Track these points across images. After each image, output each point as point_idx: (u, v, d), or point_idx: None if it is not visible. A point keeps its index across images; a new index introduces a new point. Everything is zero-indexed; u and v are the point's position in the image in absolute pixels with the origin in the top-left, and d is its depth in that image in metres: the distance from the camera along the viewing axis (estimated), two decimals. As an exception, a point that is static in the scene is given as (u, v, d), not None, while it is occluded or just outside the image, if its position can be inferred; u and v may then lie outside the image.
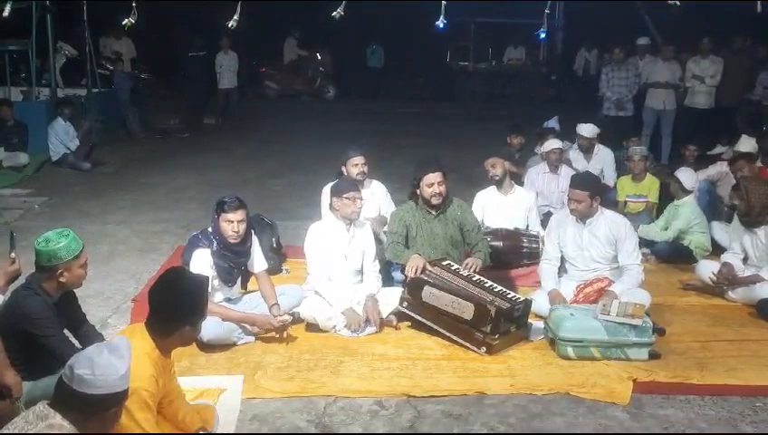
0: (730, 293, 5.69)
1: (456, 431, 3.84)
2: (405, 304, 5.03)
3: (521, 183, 7.08)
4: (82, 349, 3.37)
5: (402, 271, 5.38)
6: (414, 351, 4.77)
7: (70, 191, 9.20)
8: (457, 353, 4.71)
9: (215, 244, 4.74)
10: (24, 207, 8.34)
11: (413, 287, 4.97)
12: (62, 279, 3.66)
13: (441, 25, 5.82)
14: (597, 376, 4.39)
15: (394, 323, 5.13)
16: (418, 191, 5.40)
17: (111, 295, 5.64)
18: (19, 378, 3.46)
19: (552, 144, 7.38)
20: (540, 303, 5.20)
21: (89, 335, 3.91)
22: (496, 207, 6.35)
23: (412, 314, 5.02)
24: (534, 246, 6.08)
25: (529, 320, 5.04)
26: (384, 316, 5.10)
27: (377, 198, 6.41)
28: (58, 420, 2.50)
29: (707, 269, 5.78)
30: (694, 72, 10.50)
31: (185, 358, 4.41)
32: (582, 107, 12.09)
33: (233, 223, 4.69)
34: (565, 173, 7.16)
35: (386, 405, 4.07)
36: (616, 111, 10.30)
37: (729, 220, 6.73)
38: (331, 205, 5.24)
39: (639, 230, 6.44)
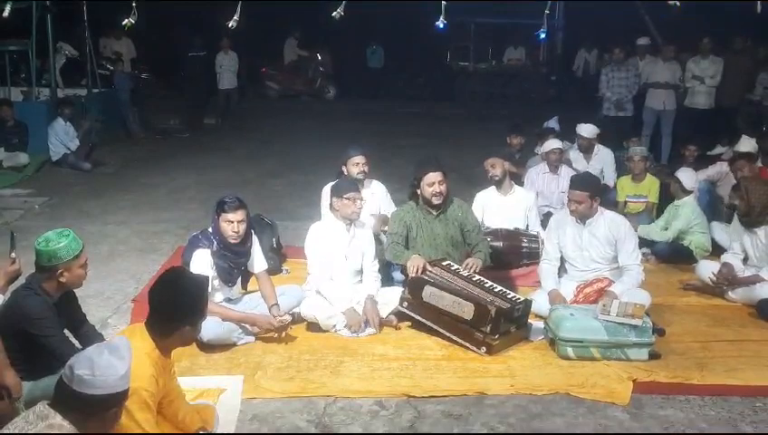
0: (730, 293, 5.69)
1: (456, 431, 3.84)
2: (405, 304, 5.03)
3: (521, 183, 7.08)
4: (82, 349, 3.38)
5: (402, 271, 5.39)
6: (414, 351, 4.77)
7: (70, 191, 9.21)
8: (457, 354, 4.71)
9: (215, 244, 4.74)
10: (24, 207, 8.34)
11: (414, 287, 4.97)
12: (62, 279, 3.67)
13: (441, 25, 5.82)
14: (597, 376, 4.39)
15: (394, 322, 5.13)
16: (419, 191, 5.40)
17: (111, 296, 5.64)
18: (19, 379, 3.46)
19: (552, 144, 7.38)
20: (540, 303, 5.20)
21: (89, 335, 3.91)
22: (496, 208, 6.35)
23: (412, 314, 5.02)
24: (534, 246, 6.09)
25: (529, 320, 5.04)
26: (384, 316, 5.11)
27: (377, 198, 6.41)
28: (58, 421, 2.50)
29: (707, 269, 5.78)
30: (694, 73, 10.50)
31: (185, 358, 4.41)
32: (582, 107, 12.09)
33: (233, 223, 4.69)
34: (565, 173, 7.16)
35: (386, 405, 4.07)
36: (616, 112, 10.30)
37: (728, 220, 6.73)
38: (331, 205, 5.24)
39: (639, 230, 6.44)
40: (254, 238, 5.01)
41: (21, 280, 3.79)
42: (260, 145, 12.53)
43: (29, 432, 2.48)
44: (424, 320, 4.94)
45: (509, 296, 4.94)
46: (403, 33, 18.94)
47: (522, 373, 4.45)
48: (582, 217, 5.26)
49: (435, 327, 4.89)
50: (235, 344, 4.75)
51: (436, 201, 5.34)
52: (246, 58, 15.80)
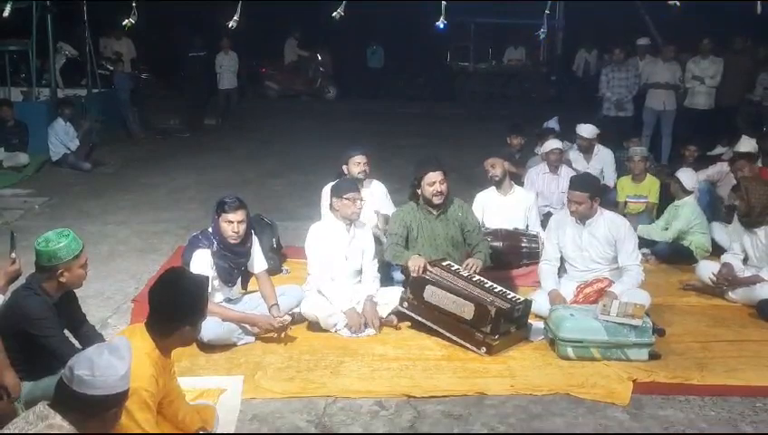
0: (730, 293, 5.68)
1: (456, 432, 3.84)
2: (405, 304, 5.03)
3: (521, 183, 7.08)
4: (83, 349, 3.38)
5: (403, 271, 5.39)
6: (414, 351, 4.77)
7: (70, 191, 9.21)
8: (457, 354, 4.71)
9: (215, 244, 4.74)
10: (24, 207, 8.34)
11: (415, 286, 4.97)
12: (62, 279, 3.67)
13: (441, 26, 5.81)
14: (597, 376, 4.39)
15: (394, 322, 5.13)
16: (419, 191, 5.40)
17: (111, 296, 5.64)
18: (18, 379, 3.46)
19: (552, 144, 7.38)
20: (540, 303, 5.20)
21: (89, 336, 3.91)
22: (496, 208, 6.35)
23: (412, 315, 5.02)
24: (534, 246, 6.09)
25: (529, 320, 5.04)
26: (384, 316, 5.11)
27: (376, 198, 6.42)
28: (58, 421, 2.50)
29: (707, 270, 5.78)
30: (694, 73, 10.49)
31: (185, 358, 4.41)
32: (582, 107, 12.09)
33: (233, 223, 4.69)
34: (565, 173, 7.16)
35: (386, 405, 4.07)
36: (616, 112, 10.30)
37: (727, 220, 6.74)
38: (331, 205, 5.25)
39: (639, 230, 6.44)
40: (254, 238, 5.01)
41: (21, 280, 3.79)
42: (260, 145, 12.53)
43: (29, 432, 2.48)
44: (424, 320, 4.94)
45: (509, 297, 4.94)
46: (403, 33, 18.95)
47: (522, 374, 4.45)
48: (582, 218, 5.26)
49: (435, 327, 4.89)
50: (235, 345, 4.75)
51: (436, 201, 5.34)
52: (246, 58, 15.81)
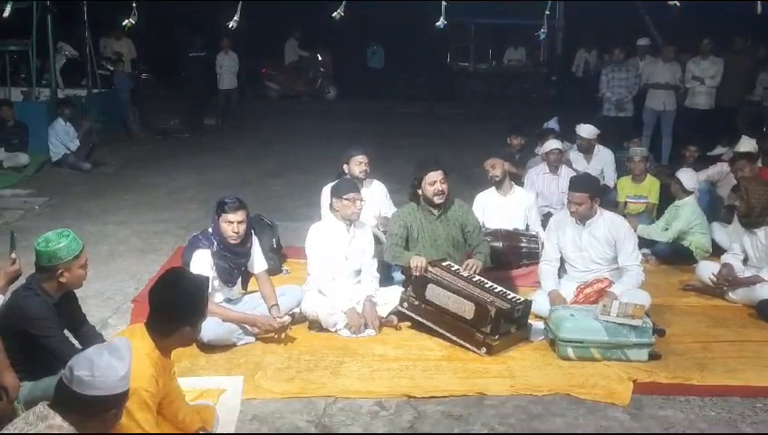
0: (730, 294, 5.68)
1: (456, 432, 3.84)
2: (405, 304, 5.03)
3: (521, 184, 7.08)
4: (83, 349, 3.38)
5: (403, 272, 5.39)
6: (414, 351, 4.77)
7: (70, 192, 9.21)
8: (457, 354, 4.71)
9: (215, 244, 4.74)
10: (24, 207, 8.34)
11: (417, 285, 4.97)
12: (62, 280, 3.66)
13: (441, 26, 5.82)
14: (597, 377, 4.39)
15: (395, 322, 5.13)
16: (420, 191, 5.39)
17: (111, 296, 5.64)
18: (17, 380, 3.46)
19: (552, 145, 7.37)
20: (540, 303, 5.20)
21: (89, 336, 3.91)
22: (496, 208, 6.36)
23: (412, 315, 5.02)
24: (534, 246, 6.09)
25: (529, 321, 5.04)
26: (384, 316, 5.11)
27: (376, 198, 6.42)
28: (58, 421, 2.50)
29: (707, 270, 5.78)
30: (694, 73, 10.49)
31: (185, 358, 4.41)
32: (582, 108, 12.09)
33: (233, 223, 4.69)
34: (565, 174, 7.16)
35: (386, 406, 4.07)
36: (616, 112, 10.30)
37: (726, 220, 6.74)
38: (331, 206, 5.25)
39: (639, 230, 6.45)
40: (254, 239, 5.01)
41: (21, 280, 3.79)
42: (260, 145, 12.53)
43: (29, 433, 2.48)
44: (424, 320, 4.94)
45: (509, 297, 4.94)
46: (403, 33, 18.95)
47: (522, 374, 4.45)
48: (582, 218, 5.26)
49: (435, 328, 4.89)
50: (235, 345, 4.75)
51: (437, 200, 5.33)
52: (247, 58, 15.81)
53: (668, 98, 10.49)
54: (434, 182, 5.30)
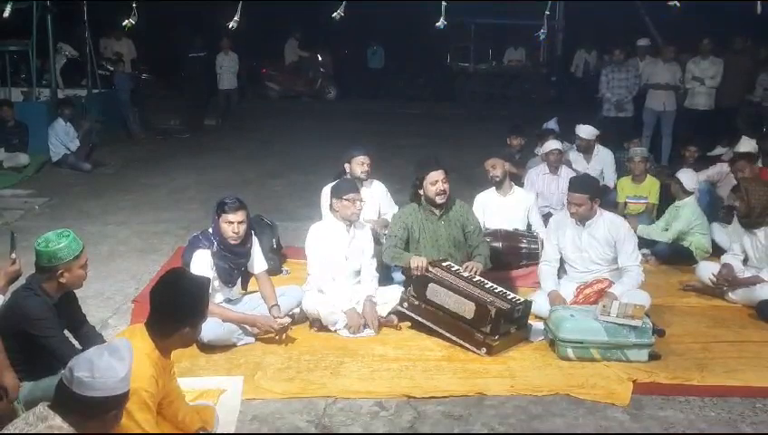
0: (730, 294, 5.68)
1: (456, 432, 3.84)
2: (405, 304, 5.04)
3: (521, 184, 7.08)
4: (83, 350, 3.38)
5: (403, 272, 5.39)
6: (414, 352, 4.77)
7: (70, 192, 9.21)
8: (457, 355, 4.71)
9: (215, 245, 4.74)
10: (24, 207, 8.34)
11: (418, 285, 4.97)
12: (62, 280, 3.67)
13: (441, 26, 5.82)
14: (597, 377, 4.40)
15: (395, 322, 5.13)
16: (421, 191, 5.39)
17: (111, 296, 5.64)
18: (17, 380, 3.46)
19: (552, 145, 7.37)
20: (540, 304, 5.20)
21: (89, 336, 3.91)
22: (496, 208, 6.36)
23: (412, 315, 5.03)
24: (533, 246, 6.09)
25: (529, 321, 5.04)
26: (384, 315, 5.12)
27: (376, 198, 6.43)
28: (58, 422, 2.50)
29: (707, 270, 5.78)
30: (694, 74, 10.48)
31: (185, 359, 4.41)
32: (582, 108, 12.09)
33: (233, 224, 4.69)
34: (565, 174, 7.16)
35: (386, 406, 4.07)
36: (616, 113, 10.30)
37: (724, 221, 6.74)
38: (330, 206, 5.25)
39: (639, 230, 6.45)
40: (254, 239, 5.01)
41: (21, 280, 3.79)
42: (260, 145, 12.53)
43: (29, 433, 2.48)
44: (424, 320, 4.95)
45: (509, 297, 4.94)
46: (403, 33, 18.97)
47: (522, 374, 4.45)
48: (582, 219, 5.26)
49: (435, 328, 4.89)
50: (235, 345, 4.75)
51: (439, 200, 5.33)
52: (247, 59, 15.81)
53: (668, 98, 10.48)
54: (435, 182, 5.30)
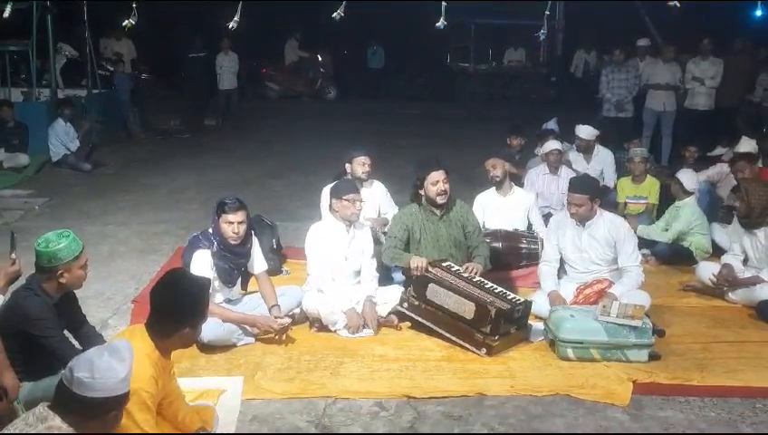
0: (730, 294, 5.68)
1: (456, 432, 3.84)
2: (405, 304, 5.04)
3: (521, 184, 7.08)
4: (83, 350, 3.38)
5: (404, 272, 5.39)
6: (414, 352, 4.77)
7: (70, 192, 9.21)
8: (457, 355, 4.71)
9: (215, 245, 4.74)
10: (24, 207, 8.34)
11: (418, 285, 4.98)
12: (62, 280, 3.67)
13: (441, 26, 5.82)
14: (597, 377, 4.40)
15: (395, 322, 5.13)
16: (422, 192, 5.38)
17: (111, 296, 5.64)
18: (17, 380, 3.46)
19: (551, 145, 7.37)
20: (540, 304, 5.20)
21: (89, 336, 3.91)
22: (496, 209, 6.36)
23: (412, 315, 5.03)
24: (534, 247, 6.09)
25: (529, 321, 5.04)
26: (384, 315, 5.12)
27: (377, 198, 6.44)
28: (57, 423, 2.50)
29: (708, 271, 5.78)
30: (694, 74, 10.48)
31: (185, 359, 4.41)
32: (582, 108, 12.09)
33: (233, 224, 4.69)
34: (565, 174, 7.16)
35: (386, 406, 4.07)
36: (616, 113, 10.30)
37: (724, 221, 6.74)
38: (330, 206, 5.25)
39: (639, 230, 6.45)
40: (254, 239, 5.01)
41: (21, 281, 3.79)
42: (260, 146, 12.53)
43: (29, 433, 2.48)
44: (424, 321, 4.95)
45: (509, 297, 4.94)
46: (403, 33, 18.98)
47: (522, 374, 4.45)
48: (582, 220, 5.26)
49: (435, 328, 4.89)
50: (234, 345, 4.75)
51: (440, 200, 5.32)
52: (247, 59, 15.81)
53: (668, 98, 10.48)
54: (436, 182, 5.29)
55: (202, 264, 4.66)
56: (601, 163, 8.07)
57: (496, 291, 4.98)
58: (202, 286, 3.29)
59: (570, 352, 4.62)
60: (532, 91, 19.07)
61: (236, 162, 11.11)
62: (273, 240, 6.39)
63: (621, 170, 7.96)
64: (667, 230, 6.66)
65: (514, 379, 4.39)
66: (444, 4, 5.81)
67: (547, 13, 6.55)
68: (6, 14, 7.56)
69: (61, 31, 12.31)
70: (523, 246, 6.14)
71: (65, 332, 3.83)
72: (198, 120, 14.20)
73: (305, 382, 4.31)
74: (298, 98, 19.14)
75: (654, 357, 4.63)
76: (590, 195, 5.21)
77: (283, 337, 4.80)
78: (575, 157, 8.09)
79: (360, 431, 3.85)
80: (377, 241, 5.61)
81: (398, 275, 5.57)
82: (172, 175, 10.17)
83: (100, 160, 10.83)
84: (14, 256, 3.76)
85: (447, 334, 4.83)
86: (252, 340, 4.82)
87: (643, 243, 6.34)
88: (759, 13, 9.64)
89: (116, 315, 5.29)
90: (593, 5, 14.65)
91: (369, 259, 5.27)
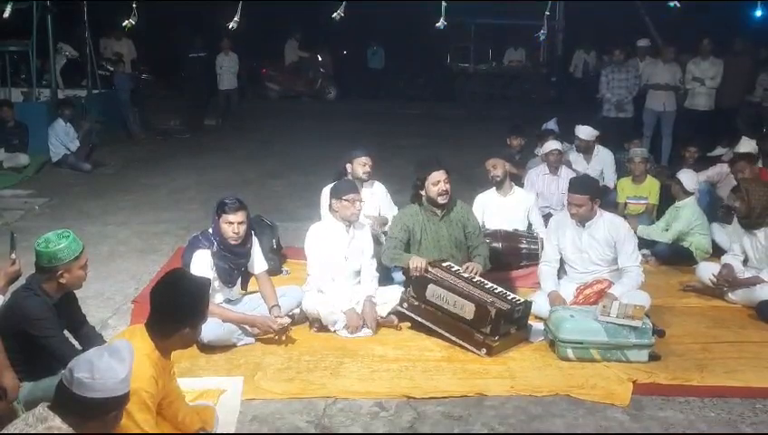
0: (730, 294, 5.68)
1: (456, 432, 3.84)
2: (405, 305, 5.04)
3: (521, 184, 7.08)
4: (83, 350, 3.38)
5: (404, 272, 5.39)
6: (414, 352, 4.77)
7: (70, 192, 9.21)
8: (457, 355, 4.71)
9: (215, 245, 4.74)
10: (24, 207, 8.34)
11: (417, 286, 4.97)
12: (62, 280, 3.67)
13: (441, 26, 5.83)
14: (597, 378, 4.40)
15: (395, 322, 5.13)
16: (423, 192, 5.38)
17: (111, 296, 5.64)
18: (17, 380, 3.45)
19: (551, 145, 7.37)
20: (540, 304, 5.20)
21: (89, 337, 3.91)
22: (496, 209, 6.36)
23: (412, 315, 5.03)
24: (533, 247, 6.08)
25: (529, 321, 5.04)
26: (384, 315, 5.12)
27: (377, 198, 6.44)
28: (57, 423, 2.50)
29: (708, 271, 5.78)
30: (694, 74, 10.48)
31: (185, 359, 4.41)
32: (582, 108, 12.09)
33: (233, 224, 4.69)
34: (565, 174, 7.16)
35: (386, 406, 4.07)
36: (616, 113, 10.30)
37: (723, 221, 6.74)
38: (330, 206, 5.25)
39: (639, 231, 6.45)
40: (255, 239, 5.01)
41: (21, 281, 3.79)
42: (260, 146, 12.53)
43: (29, 434, 2.48)
44: (424, 321, 4.95)
45: (509, 298, 4.94)
46: (403, 33, 18.99)
47: (522, 375, 4.45)
48: (582, 220, 5.26)
49: (435, 328, 4.89)
50: (234, 345, 4.75)
51: (441, 200, 5.32)
52: (247, 59, 15.81)
53: (668, 99, 10.48)
54: (437, 182, 5.29)
55: (202, 264, 4.66)
56: (601, 163, 8.07)
57: (496, 291, 4.98)
58: (202, 286, 3.29)
59: (570, 353, 4.62)
60: (532, 91, 19.08)
61: (236, 162, 11.11)
62: (273, 240, 6.39)
63: (621, 171, 7.96)
64: (667, 230, 6.65)
65: (514, 379, 4.39)
66: (444, 4, 5.82)
67: (547, 13, 6.56)
68: (6, 14, 7.57)
69: (61, 31, 12.32)
70: (522, 246, 6.14)
71: (65, 332, 3.83)
72: (198, 120, 14.20)
73: (305, 383, 4.31)
74: (298, 98, 19.15)
75: (654, 357, 4.63)
76: (591, 195, 5.21)
77: (283, 337, 4.80)
78: (575, 157, 8.09)
79: (360, 431, 3.85)
80: (377, 241, 5.61)
81: (398, 276, 5.57)
82: (172, 175, 10.17)
83: (100, 160, 10.83)
84: (14, 256, 3.75)
85: (447, 335, 4.83)
86: (252, 340, 4.82)
87: (643, 243, 6.34)
88: (759, 13, 9.67)
89: (116, 315, 5.29)
90: (593, 5, 14.65)
91: (369, 259, 5.27)
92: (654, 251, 6.67)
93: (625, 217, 6.44)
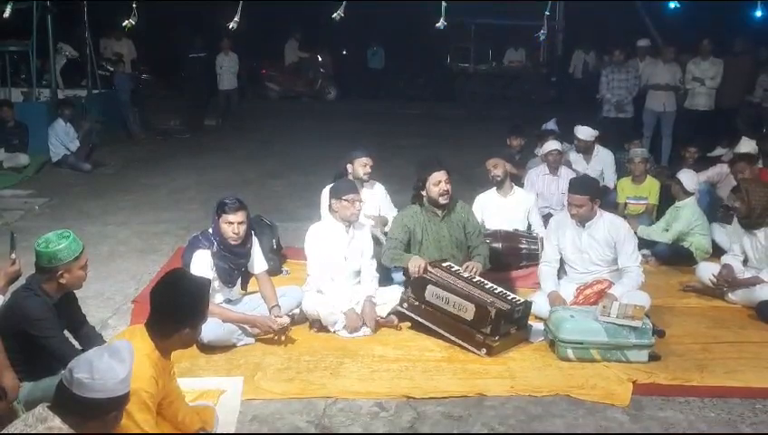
0: (730, 295, 5.68)
1: (456, 432, 3.84)
2: (405, 305, 5.03)
3: (521, 185, 7.08)
4: (83, 350, 3.38)
5: (404, 273, 5.39)
6: (414, 352, 4.77)
7: (70, 192, 9.21)
8: (457, 355, 4.71)
9: (215, 245, 4.74)
10: (24, 208, 8.34)
11: (416, 287, 4.97)
12: (62, 280, 3.67)
13: (441, 27, 5.84)
14: (597, 378, 4.39)
15: (395, 322, 5.13)
16: (424, 193, 5.38)
17: (111, 296, 5.64)
18: (17, 380, 3.45)
19: (551, 146, 7.37)
20: (540, 304, 5.19)
21: (89, 337, 3.91)
22: (496, 209, 6.36)
23: (412, 315, 5.03)
24: (533, 247, 6.09)
25: (529, 322, 5.04)
26: (383, 315, 5.11)
27: (377, 198, 6.44)
28: (57, 423, 2.50)
29: (708, 271, 5.78)
30: (694, 75, 10.48)
31: (185, 359, 4.41)
32: (582, 109, 12.09)
33: (233, 224, 4.69)
34: (565, 175, 7.16)
35: (386, 406, 4.07)
36: (616, 113, 10.30)
37: (723, 221, 6.74)
38: (330, 206, 5.25)
39: (639, 231, 6.46)
40: (255, 239, 5.01)
41: (21, 281, 3.79)
42: (260, 146, 12.54)
43: (28, 434, 2.48)
44: (424, 321, 4.95)
45: (509, 298, 4.94)
46: (403, 33, 19.00)
47: (522, 375, 4.45)
48: (582, 220, 5.26)
49: (435, 328, 4.89)
50: (234, 346, 4.75)
51: (443, 201, 5.31)
52: (247, 59, 15.81)
53: (668, 99, 10.48)
54: (438, 182, 5.29)
55: (202, 264, 4.66)
56: (601, 163, 8.07)
57: (496, 291, 4.98)
58: (202, 286, 3.28)
59: (570, 353, 4.62)
60: (532, 91, 19.09)
61: (236, 162, 11.11)
62: (273, 240, 6.39)
63: (621, 171, 7.96)
64: (667, 231, 6.65)
65: (514, 379, 4.39)
66: (444, 4, 5.82)
67: (547, 13, 6.57)
68: (6, 14, 7.57)
69: (61, 31, 12.32)
70: (522, 246, 6.14)
71: (65, 332, 3.83)
72: (198, 121, 14.21)
73: (305, 383, 4.31)
74: (298, 98, 19.15)
75: (654, 358, 4.63)
76: (591, 195, 5.21)
77: (283, 337, 4.80)
78: (575, 157, 8.09)
79: (360, 431, 3.85)
80: (376, 241, 5.61)
81: (398, 276, 5.57)
82: (172, 175, 10.17)
83: (100, 160, 10.83)
84: (14, 256, 3.75)
85: (447, 335, 4.83)
86: (252, 340, 4.82)
87: (643, 243, 6.34)
88: (759, 13, 9.68)
89: (116, 315, 5.29)
90: (593, 5, 14.66)
91: (369, 259, 5.27)
92: (654, 251, 6.67)
93: (625, 217, 6.44)
